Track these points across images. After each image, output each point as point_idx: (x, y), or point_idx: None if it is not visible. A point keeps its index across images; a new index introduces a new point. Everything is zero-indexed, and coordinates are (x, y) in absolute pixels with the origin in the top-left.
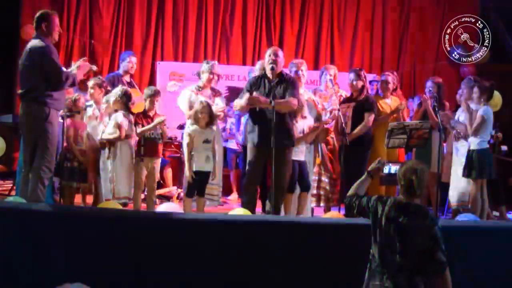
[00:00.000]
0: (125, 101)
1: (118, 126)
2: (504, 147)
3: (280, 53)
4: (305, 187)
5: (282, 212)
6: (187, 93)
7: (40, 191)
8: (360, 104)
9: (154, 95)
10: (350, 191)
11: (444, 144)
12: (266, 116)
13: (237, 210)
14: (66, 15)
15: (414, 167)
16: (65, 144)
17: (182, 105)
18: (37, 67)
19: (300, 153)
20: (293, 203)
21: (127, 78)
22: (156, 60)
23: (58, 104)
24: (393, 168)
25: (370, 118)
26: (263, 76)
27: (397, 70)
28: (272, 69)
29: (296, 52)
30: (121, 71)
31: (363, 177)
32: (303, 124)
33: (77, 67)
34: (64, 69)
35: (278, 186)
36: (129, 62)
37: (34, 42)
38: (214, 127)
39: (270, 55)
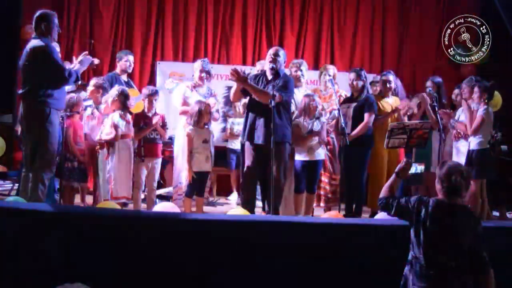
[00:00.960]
0: (123, 100)
1: (115, 126)
2: (504, 147)
3: (281, 53)
4: (312, 189)
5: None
6: (182, 88)
7: (40, 191)
8: (360, 104)
9: (153, 94)
10: (383, 193)
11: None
12: (264, 115)
13: (236, 210)
14: (66, 15)
15: (459, 169)
16: (65, 144)
17: (176, 100)
18: (37, 67)
19: (318, 153)
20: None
21: (124, 78)
22: (156, 60)
23: (58, 104)
24: (419, 168)
25: (370, 118)
26: (262, 74)
27: (397, 70)
28: (272, 68)
29: (296, 52)
30: (118, 70)
31: (392, 178)
32: (311, 124)
33: (79, 62)
34: (66, 66)
35: (275, 185)
36: (126, 61)
37: (33, 42)
38: (210, 127)
39: (271, 55)
